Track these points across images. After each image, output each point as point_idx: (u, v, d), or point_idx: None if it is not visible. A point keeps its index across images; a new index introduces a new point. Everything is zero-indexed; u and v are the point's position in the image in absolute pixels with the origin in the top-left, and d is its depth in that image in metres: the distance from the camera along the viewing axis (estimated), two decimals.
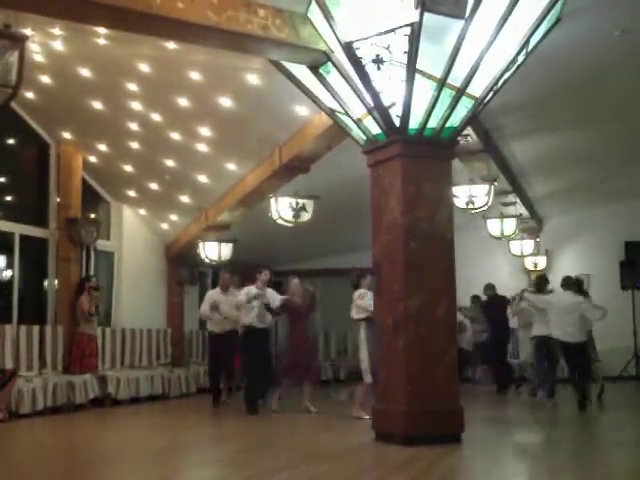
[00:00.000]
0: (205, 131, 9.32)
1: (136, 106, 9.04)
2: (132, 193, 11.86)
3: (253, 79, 7.87)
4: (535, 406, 10.08)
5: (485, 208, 10.44)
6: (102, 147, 10.61)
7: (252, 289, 9.07)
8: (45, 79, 8.85)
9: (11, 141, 10.63)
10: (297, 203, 9.58)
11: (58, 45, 7.90)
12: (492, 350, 12.31)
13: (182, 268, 13.18)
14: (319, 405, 9.12)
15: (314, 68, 6.37)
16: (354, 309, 8.31)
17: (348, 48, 5.81)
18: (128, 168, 10.99)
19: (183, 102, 8.70)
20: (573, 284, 9.63)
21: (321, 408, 9.08)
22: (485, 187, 10.24)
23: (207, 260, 12.20)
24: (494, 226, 12.41)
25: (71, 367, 9.91)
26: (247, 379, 9.27)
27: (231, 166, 10.17)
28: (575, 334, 9.26)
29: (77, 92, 9.02)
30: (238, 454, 6.21)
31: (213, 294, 10.43)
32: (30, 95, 9.38)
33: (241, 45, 6.18)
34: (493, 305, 12.25)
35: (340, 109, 6.55)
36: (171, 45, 7.31)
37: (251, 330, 9.10)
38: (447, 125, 6.24)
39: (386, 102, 5.97)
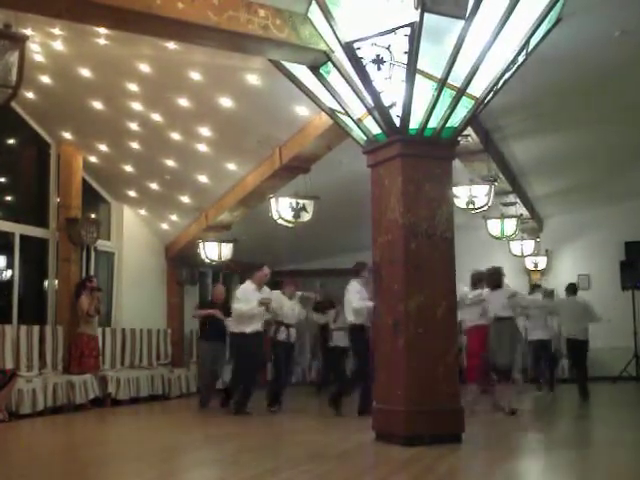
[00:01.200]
0: (205, 131, 9.32)
1: (136, 106, 9.04)
2: (132, 193, 11.86)
3: (253, 79, 7.87)
4: (532, 405, 10.08)
5: (485, 208, 10.44)
6: (102, 147, 10.61)
7: (357, 287, 8.83)
8: (45, 79, 8.85)
9: (11, 141, 10.64)
10: (297, 203, 9.58)
11: (58, 45, 7.91)
12: None
13: (182, 268, 13.19)
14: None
15: (314, 68, 6.36)
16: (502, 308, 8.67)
17: (348, 48, 5.80)
18: (128, 168, 10.99)
19: (183, 102, 8.70)
20: (576, 290, 10.95)
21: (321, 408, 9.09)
22: (485, 187, 10.23)
23: (207, 260, 12.20)
24: (494, 226, 12.40)
25: (71, 367, 9.92)
26: (363, 380, 8.68)
27: (231, 166, 10.17)
28: (582, 333, 10.53)
29: (77, 92, 9.02)
30: (238, 454, 6.21)
31: (249, 290, 9.19)
32: (30, 95, 9.39)
33: (241, 45, 6.18)
34: None
35: (340, 109, 6.54)
36: (171, 45, 7.31)
37: (365, 330, 8.71)
38: (447, 125, 6.23)
39: (386, 102, 5.97)
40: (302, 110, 8.29)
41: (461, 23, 5.63)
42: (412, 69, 5.72)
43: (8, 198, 10.88)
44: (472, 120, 6.69)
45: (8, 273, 10.39)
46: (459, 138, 6.71)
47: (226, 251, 12.13)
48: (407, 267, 6.11)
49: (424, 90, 5.95)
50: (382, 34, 5.70)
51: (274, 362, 9.68)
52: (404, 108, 5.95)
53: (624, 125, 9.82)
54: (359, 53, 5.78)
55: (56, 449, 6.85)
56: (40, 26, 7.32)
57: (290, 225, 9.72)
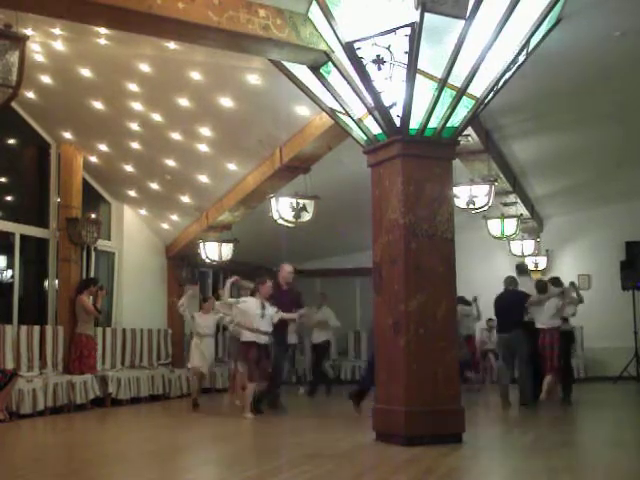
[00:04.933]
0: (205, 131, 9.32)
1: (136, 106, 9.04)
2: (133, 193, 11.86)
3: (253, 79, 7.88)
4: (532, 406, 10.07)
5: (486, 208, 10.44)
6: (102, 147, 10.61)
7: None
8: (46, 79, 8.86)
9: (12, 141, 10.64)
10: (298, 203, 9.57)
11: (59, 45, 7.92)
12: None
13: (183, 268, 13.19)
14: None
15: (315, 68, 6.37)
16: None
17: (349, 48, 5.81)
18: (129, 168, 10.99)
19: (183, 102, 8.70)
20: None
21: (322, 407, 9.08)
22: (486, 187, 10.22)
23: (207, 260, 12.20)
24: (495, 226, 12.40)
25: (70, 368, 9.92)
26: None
27: (231, 166, 10.17)
28: None
29: (78, 92, 9.02)
30: (238, 454, 6.21)
31: None
32: (31, 95, 9.39)
33: (242, 45, 6.18)
34: None
35: (341, 109, 6.54)
36: (171, 45, 7.32)
37: None
38: (448, 125, 6.23)
39: (387, 102, 5.97)
40: (302, 110, 8.29)
41: (461, 23, 5.63)
42: (412, 69, 5.72)
43: (8, 198, 10.88)
44: (472, 120, 6.68)
45: (8, 273, 10.39)
46: (459, 138, 6.71)
47: (226, 251, 12.13)
48: (407, 267, 6.10)
49: (424, 90, 5.95)
50: (382, 34, 5.70)
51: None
52: (404, 108, 5.95)
53: (623, 125, 9.82)
54: (359, 53, 5.79)
55: (56, 449, 6.85)
56: (40, 26, 7.32)
57: (291, 225, 9.72)
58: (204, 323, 9.87)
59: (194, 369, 9.88)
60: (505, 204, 12.14)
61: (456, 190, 9.57)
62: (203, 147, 9.75)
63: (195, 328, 9.91)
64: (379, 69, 5.80)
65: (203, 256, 12.12)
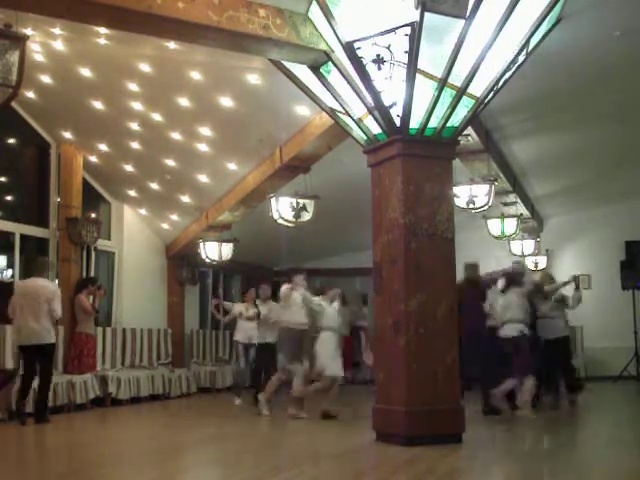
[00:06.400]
0: (205, 131, 9.32)
1: (137, 106, 9.04)
2: (133, 193, 11.86)
3: (253, 79, 7.88)
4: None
5: (486, 208, 10.44)
6: (103, 147, 10.62)
7: None
8: (46, 79, 8.86)
9: (12, 141, 10.64)
10: (298, 203, 9.56)
11: (59, 45, 7.92)
12: None
13: (183, 268, 13.20)
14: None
15: (315, 68, 6.37)
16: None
17: (349, 48, 5.81)
18: (129, 168, 11.00)
19: (183, 102, 8.70)
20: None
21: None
22: (486, 187, 10.22)
23: (207, 260, 12.20)
24: (495, 226, 12.40)
25: (69, 367, 9.91)
26: None
27: (231, 166, 10.17)
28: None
29: (78, 92, 9.03)
30: (238, 454, 6.21)
31: None
32: (31, 95, 9.39)
33: (242, 45, 6.18)
34: None
35: (341, 109, 6.55)
36: (171, 45, 7.32)
37: None
38: (448, 125, 6.24)
39: (387, 102, 5.97)
40: (302, 110, 8.29)
41: (461, 23, 5.63)
42: (412, 69, 5.72)
43: (8, 198, 10.88)
44: (472, 120, 6.68)
45: (8, 273, 10.39)
46: (459, 138, 6.72)
47: (226, 251, 12.13)
48: (407, 267, 6.10)
49: (424, 90, 5.95)
50: (382, 34, 5.70)
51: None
52: (404, 108, 5.95)
53: (624, 125, 9.83)
54: (359, 53, 5.79)
55: (56, 449, 6.85)
56: (40, 26, 7.32)
57: (291, 225, 9.71)
58: (333, 314, 8.38)
59: (335, 378, 8.20)
60: (505, 204, 12.14)
61: (456, 190, 9.56)
62: (203, 147, 9.75)
63: (326, 321, 8.29)
64: (379, 69, 5.80)
65: (203, 256, 12.12)
